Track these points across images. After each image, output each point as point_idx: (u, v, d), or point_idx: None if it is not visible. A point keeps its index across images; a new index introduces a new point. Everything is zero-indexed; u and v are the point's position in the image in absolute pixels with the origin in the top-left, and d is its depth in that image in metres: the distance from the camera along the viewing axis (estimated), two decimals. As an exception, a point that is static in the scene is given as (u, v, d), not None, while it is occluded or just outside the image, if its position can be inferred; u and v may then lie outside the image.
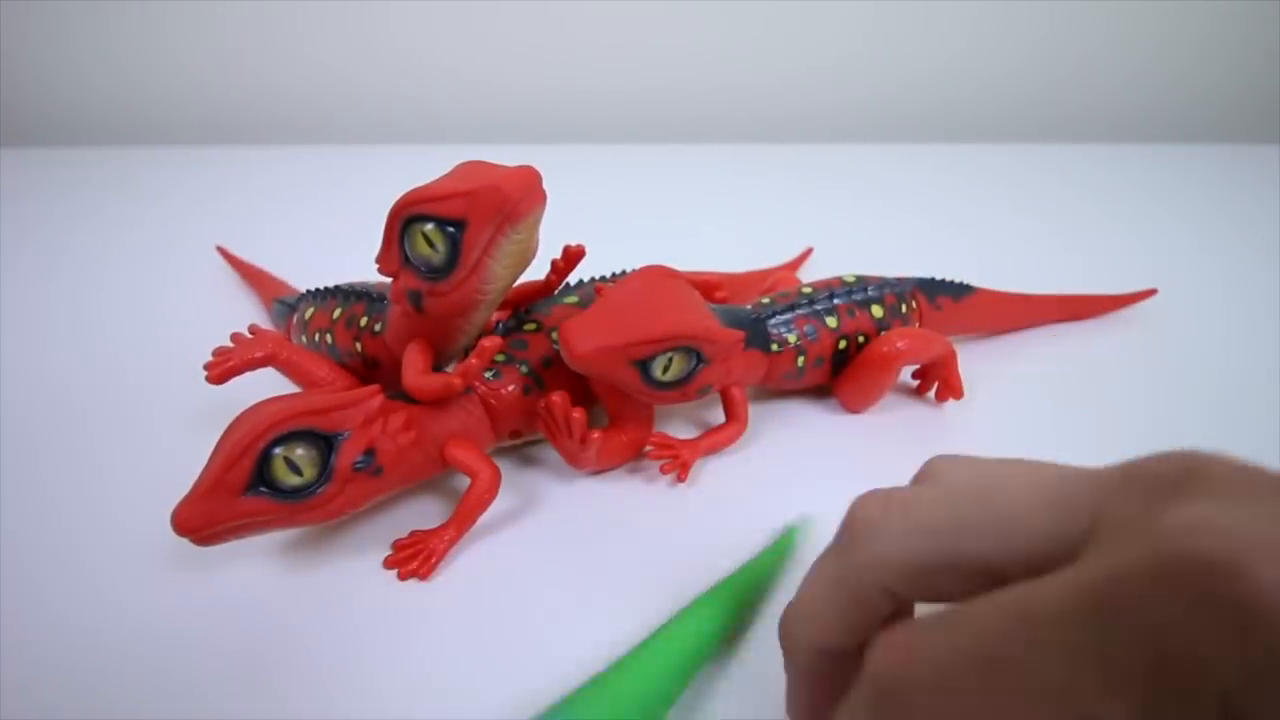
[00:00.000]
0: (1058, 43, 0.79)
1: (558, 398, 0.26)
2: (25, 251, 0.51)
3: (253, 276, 0.44)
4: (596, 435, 0.27)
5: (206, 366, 0.28)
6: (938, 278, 0.36)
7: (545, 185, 0.25)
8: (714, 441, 0.30)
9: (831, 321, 0.32)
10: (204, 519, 0.22)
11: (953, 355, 0.33)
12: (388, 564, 0.26)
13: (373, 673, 0.22)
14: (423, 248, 0.25)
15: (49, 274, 0.48)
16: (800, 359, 0.32)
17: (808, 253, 0.47)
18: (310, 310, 0.34)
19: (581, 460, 0.28)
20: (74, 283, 0.47)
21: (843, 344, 0.32)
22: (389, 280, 0.30)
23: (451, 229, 0.24)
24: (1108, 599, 0.11)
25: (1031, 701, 0.11)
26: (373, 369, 0.31)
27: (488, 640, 0.23)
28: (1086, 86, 0.82)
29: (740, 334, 0.28)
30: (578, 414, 0.26)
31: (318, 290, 0.34)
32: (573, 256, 0.31)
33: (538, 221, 0.26)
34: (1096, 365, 0.38)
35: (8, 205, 0.58)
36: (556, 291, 0.32)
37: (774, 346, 0.31)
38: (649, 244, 0.52)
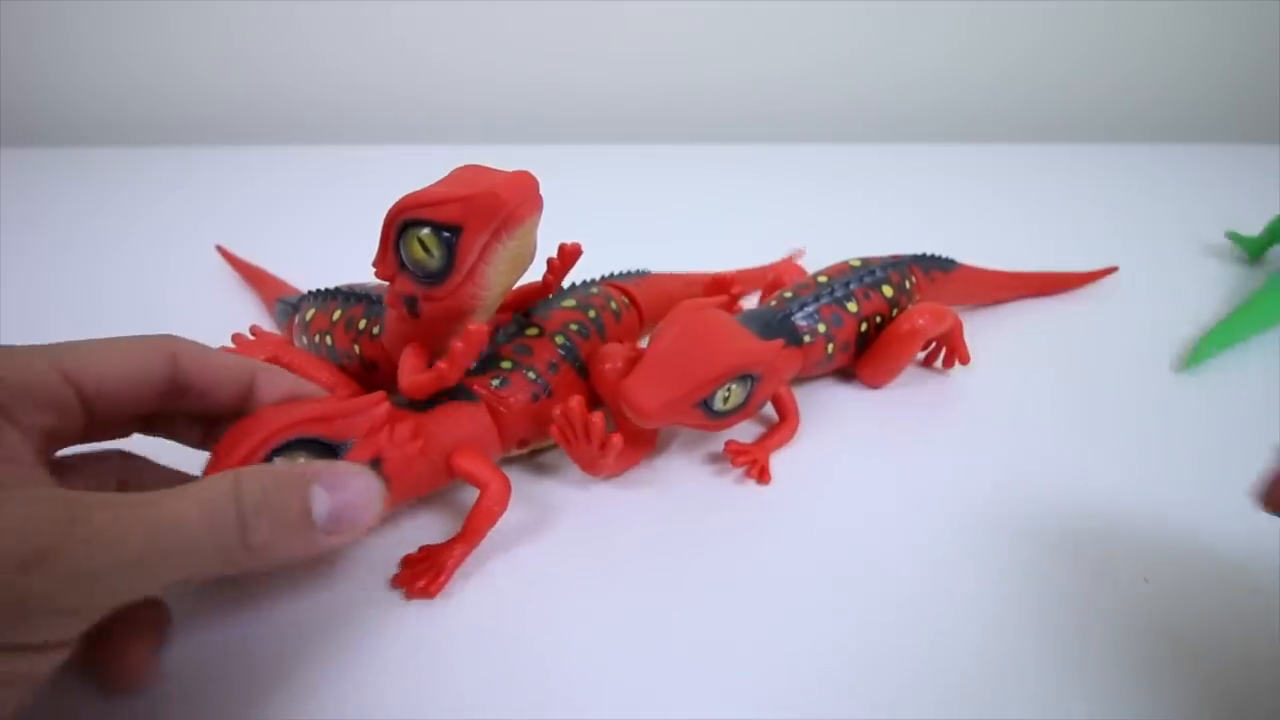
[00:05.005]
0: (1057, 43, 0.79)
1: (575, 403, 0.26)
2: (25, 251, 0.51)
3: (253, 276, 0.44)
4: (616, 439, 0.27)
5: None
6: (926, 253, 0.39)
7: (545, 185, 0.25)
8: (779, 441, 0.31)
9: (852, 307, 0.34)
10: None
11: (960, 325, 0.36)
12: (395, 582, 0.25)
13: (382, 695, 0.21)
14: (418, 252, 0.24)
15: (49, 274, 0.48)
16: (830, 347, 0.33)
17: (799, 254, 0.47)
18: (311, 311, 0.34)
19: (599, 465, 0.28)
20: (74, 283, 0.47)
21: (864, 327, 0.34)
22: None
23: (447, 234, 0.24)
24: None
25: None
26: (371, 372, 0.31)
27: (504, 661, 0.22)
28: (1085, 86, 0.82)
29: (780, 341, 0.29)
30: (597, 418, 0.26)
31: (319, 291, 0.34)
32: (569, 255, 0.31)
33: (535, 227, 0.25)
34: (1075, 334, 0.41)
35: (8, 205, 0.58)
36: (554, 295, 0.32)
37: (805, 339, 0.32)
38: (647, 245, 0.52)
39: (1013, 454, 0.32)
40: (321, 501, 0.19)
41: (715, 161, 0.70)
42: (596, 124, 0.79)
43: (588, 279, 0.35)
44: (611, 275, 0.37)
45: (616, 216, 0.58)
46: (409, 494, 0.25)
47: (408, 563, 0.25)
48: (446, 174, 0.26)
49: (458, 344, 0.25)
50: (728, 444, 0.30)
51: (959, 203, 0.61)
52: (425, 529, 0.27)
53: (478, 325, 0.25)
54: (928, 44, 0.79)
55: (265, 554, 0.18)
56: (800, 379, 0.35)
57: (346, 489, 0.20)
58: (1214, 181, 0.66)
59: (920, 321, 0.34)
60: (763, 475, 0.30)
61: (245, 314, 0.42)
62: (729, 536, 0.27)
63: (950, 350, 0.36)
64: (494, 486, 0.25)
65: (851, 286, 0.34)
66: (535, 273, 0.31)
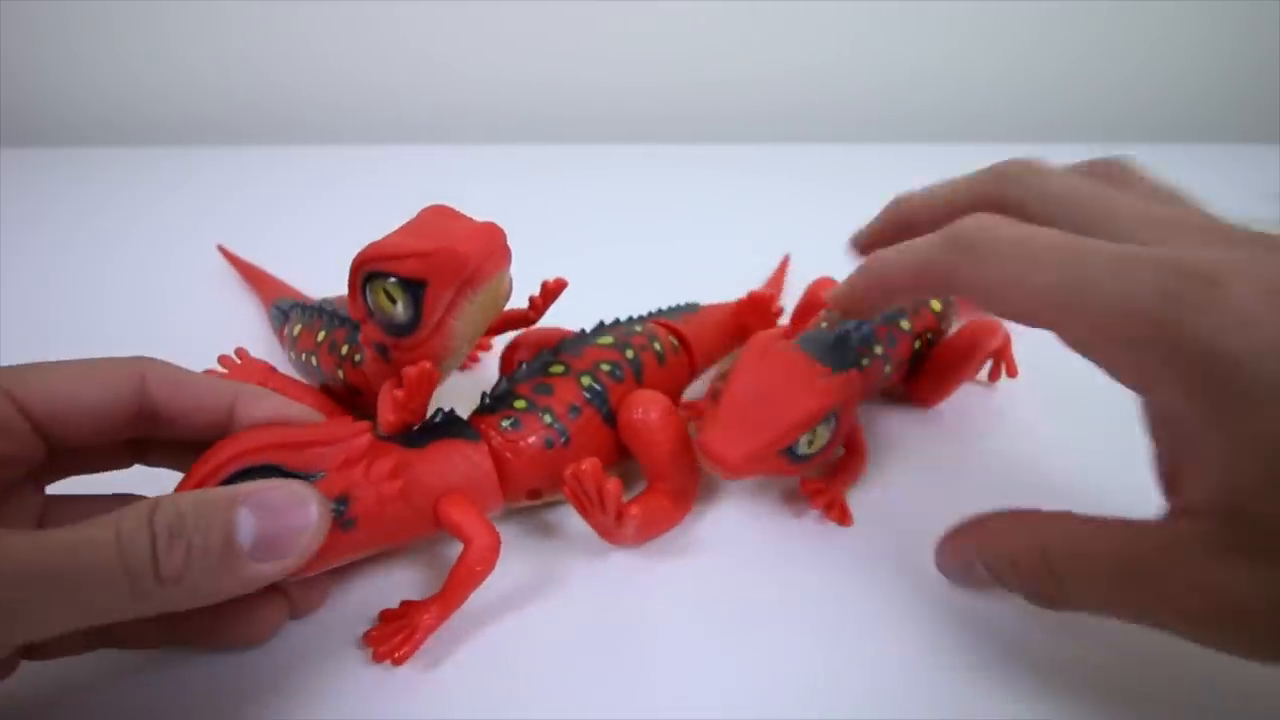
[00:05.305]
0: (1057, 43, 0.79)
1: (589, 465, 0.23)
2: (25, 252, 0.51)
3: (253, 277, 0.44)
4: (635, 511, 0.24)
5: None
6: None
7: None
8: (853, 475, 0.29)
9: (905, 325, 0.32)
10: None
11: (1010, 337, 0.35)
12: (366, 640, 0.22)
13: None
14: (385, 303, 0.24)
15: (49, 274, 0.48)
16: (888, 368, 0.31)
17: (785, 261, 0.47)
18: (298, 327, 0.33)
19: (616, 536, 0.25)
20: (74, 283, 0.47)
21: (917, 344, 0.32)
22: None
23: (413, 285, 0.23)
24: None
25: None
26: (357, 397, 0.30)
27: None
28: (1085, 86, 0.82)
29: (855, 372, 0.27)
30: (613, 486, 0.23)
31: (306, 306, 0.34)
32: (551, 292, 0.29)
33: (505, 274, 0.25)
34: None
35: (8, 205, 0.58)
36: (590, 331, 0.30)
37: (864, 362, 0.30)
38: (648, 245, 0.52)
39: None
40: (247, 525, 0.17)
41: (716, 161, 0.70)
42: (597, 124, 0.79)
43: (632, 315, 0.32)
44: (659, 311, 0.34)
45: (617, 217, 0.58)
46: (385, 540, 0.23)
47: (385, 618, 0.23)
48: (414, 216, 0.25)
49: (398, 393, 0.23)
50: (803, 483, 0.28)
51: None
52: (415, 580, 0.25)
53: (419, 367, 0.23)
54: (928, 44, 0.78)
55: (182, 586, 0.16)
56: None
57: (277, 511, 0.18)
58: (1214, 181, 0.66)
59: (980, 338, 0.33)
60: (843, 517, 0.27)
61: (246, 315, 0.42)
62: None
63: (999, 363, 0.36)
64: (479, 543, 0.22)
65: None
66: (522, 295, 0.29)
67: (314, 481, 0.21)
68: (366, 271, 0.24)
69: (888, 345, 0.31)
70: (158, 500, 0.17)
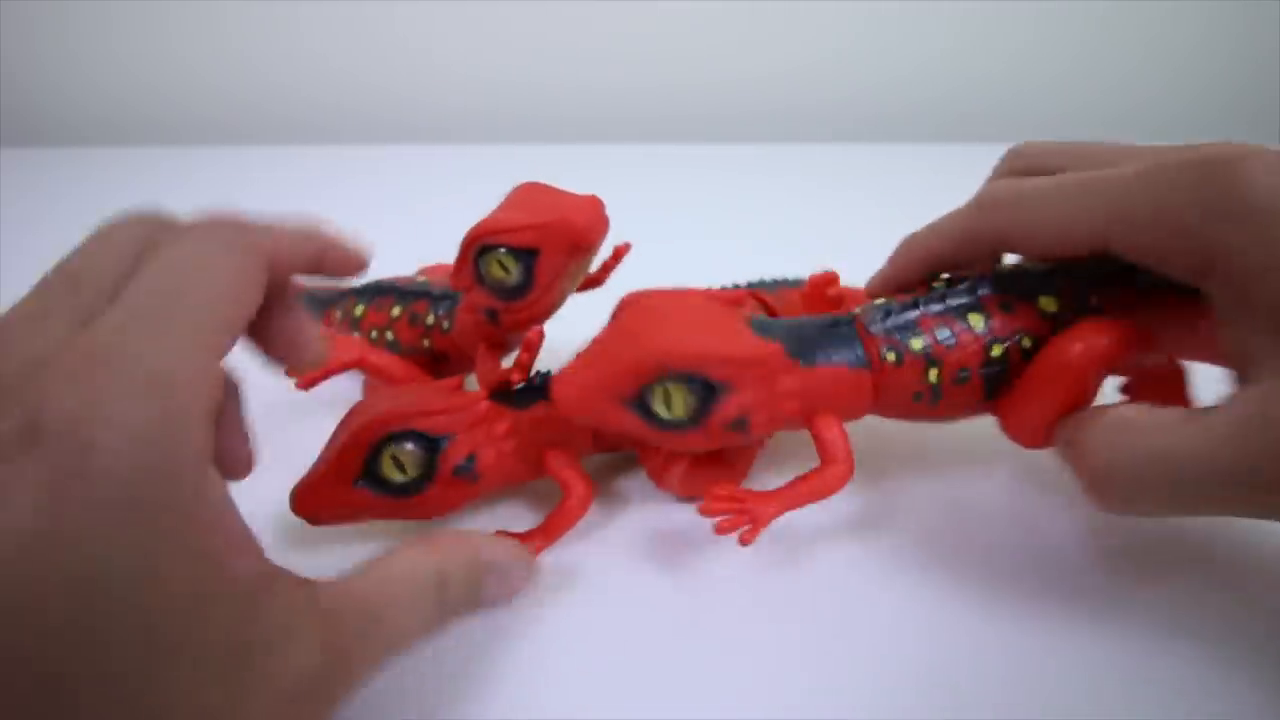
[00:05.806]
0: (1057, 42, 0.79)
1: None
2: (25, 252, 0.51)
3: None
4: (683, 458, 0.26)
5: (291, 373, 0.26)
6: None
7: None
8: (801, 492, 0.23)
9: (977, 321, 0.23)
10: (318, 503, 0.24)
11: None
12: None
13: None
14: (498, 272, 0.27)
15: (49, 274, 0.48)
16: (933, 372, 0.23)
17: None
18: (360, 308, 0.34)
19: (664, 479, 0.27)
20: (74, 283, 0.47)
21: (997, 350, 0.23)
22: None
23: (525, 255, 0.27)
24: None
25: None
26: (440, 363, 0.33)
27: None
28: (1085, 86, 0.82)
29: (770, 348, 0.22)
30: None
31: (365, 288, 0.35)
32: (619, 255, 0.34)
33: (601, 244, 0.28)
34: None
35: (8, 205, 0.58)
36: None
37: (890, 355, 0.23)
38: (650, 245, 0.52)
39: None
40: (491, 587, 0.21)
41: (716, 161, 0.70)
42: (597, 124, 0.80)
43: (728, 283, 0.34)
44: (759, 282, 0.35)
45: (617, 217, 0.57)
46: (499, 486, 0.27)
47: None
48: (510, 194, 0.28)
49: (523, 355, 0.26)
50: (716, 488, 0.23)
51: (960, 203, 0.61)
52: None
53: (537, 331, 0.26)
54: (927, 44, 0.79)
55: None
56: (904, 419, 0.26)
57: (510, 577, 0.22)
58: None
59: (1093, 341, 0.22)
60: (749, 533, 0.22)
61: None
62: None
63: (1167, 395, 0.26)
64: (579, 490, 0.26)
65: (981, 291, 0.23)
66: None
67: (447, 443, 0.25)
68: (480, 245, 0.27)
69: (936, 341, 0.23)
70: (444, 575, 0.20)
